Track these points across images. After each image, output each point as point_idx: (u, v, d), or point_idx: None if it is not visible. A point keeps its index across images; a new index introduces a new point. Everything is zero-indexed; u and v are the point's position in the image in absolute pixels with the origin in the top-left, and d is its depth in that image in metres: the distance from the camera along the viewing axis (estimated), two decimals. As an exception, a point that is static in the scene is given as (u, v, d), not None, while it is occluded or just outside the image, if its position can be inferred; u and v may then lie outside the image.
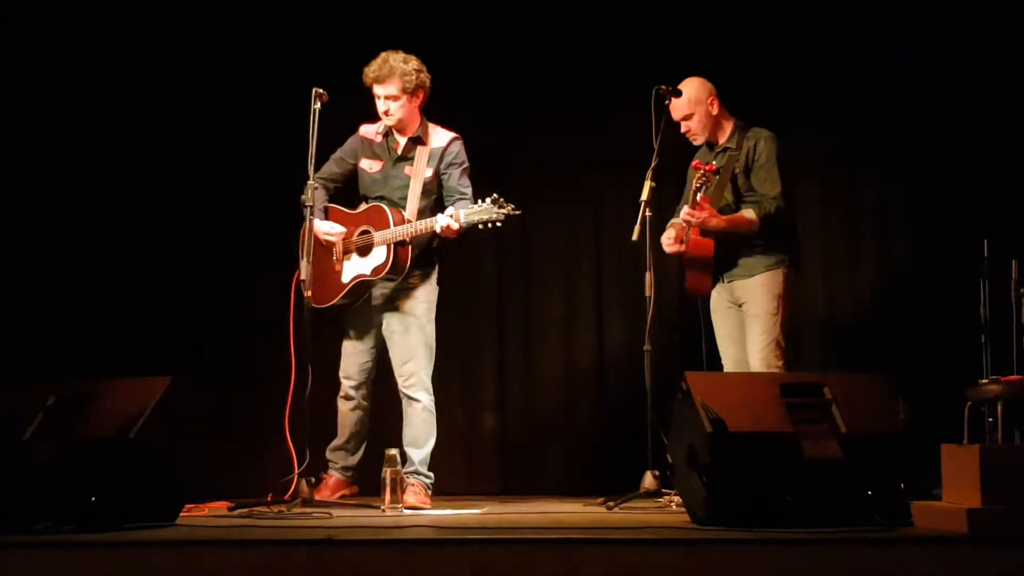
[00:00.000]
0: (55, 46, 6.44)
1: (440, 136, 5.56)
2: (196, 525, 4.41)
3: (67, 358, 6.10)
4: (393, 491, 4.99)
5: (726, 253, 5.41)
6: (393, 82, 5.42)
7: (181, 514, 4.56)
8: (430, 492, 5.41)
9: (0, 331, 6.19)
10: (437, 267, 5.56)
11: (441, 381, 6.62)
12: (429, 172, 5.50)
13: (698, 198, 5.34)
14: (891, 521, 4.05)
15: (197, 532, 4.17)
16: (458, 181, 5.51)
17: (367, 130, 5.63)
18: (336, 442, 5.59)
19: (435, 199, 5.53)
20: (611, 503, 5.19)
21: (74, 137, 6.44)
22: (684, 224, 5.42)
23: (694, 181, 5.40)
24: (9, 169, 6.33)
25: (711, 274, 5.45)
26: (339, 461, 5.57)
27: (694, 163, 5.51)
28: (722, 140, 5.54)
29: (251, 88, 6.45)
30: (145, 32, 6.47)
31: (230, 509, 4.95)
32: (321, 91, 5.32)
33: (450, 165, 5.52)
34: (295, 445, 5.11)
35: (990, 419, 4.99)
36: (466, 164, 5.54)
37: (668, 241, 5.52)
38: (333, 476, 5.54)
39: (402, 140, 5.55)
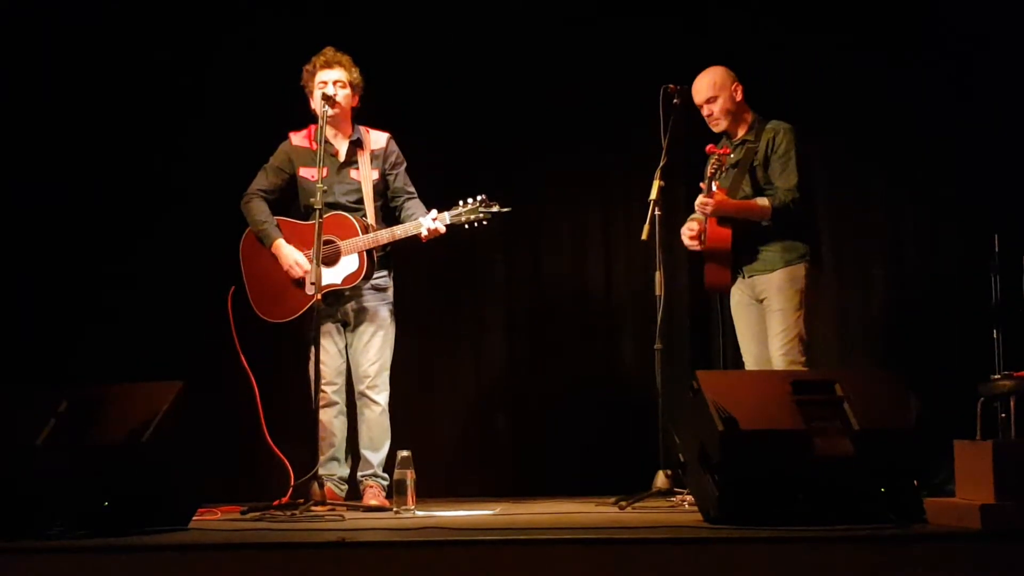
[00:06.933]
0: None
1: (376, 136, 5.57)
2: (209, 529, 4.42)
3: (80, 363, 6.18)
4: (406, 492, 5.00)
5: (744, 245, 5.35)
6: (344, 69, 5.45)
7: (194, 518, 4.57)
8: (386, 493, 5.38)
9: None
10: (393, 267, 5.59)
11: (454, 384, 6.67)
12: (376, 174, 5.52)
13: (713, 186, 5.31)
14: (904, 518, 4.03)
15: (210, 536, 4.18)
16: (404, 180, 5.57)
17: (298, 138, 5.59)
18: (328, 454, 5.44)
19: (384, 199, 5.56)
20: (623, 503, 5.18)
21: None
22: (699, 212, 5.38)
23: (708, 167, 5.35)
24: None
25: (730, 268, 5.39)
26: (336, 472, 5.48)
27: (708, 147, 5.43)
28: (741, 133, 5.49)
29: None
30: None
31: (243, 513, 4.95)
32: (331, 96, 5.33)
33: (394, 165, 5.57)
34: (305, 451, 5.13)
35: (1003, 415, 4.99)
36: (405, 162, 5.59)
37: (689, 235, 5.47)
38: (330, 490, 5.33)
39: (341, 145, 5.52)
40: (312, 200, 5.25)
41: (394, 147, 5.59)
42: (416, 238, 5.38)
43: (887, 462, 4.16)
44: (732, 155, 5.43)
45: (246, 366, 5.30)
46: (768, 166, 5.38)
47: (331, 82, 5.43)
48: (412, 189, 5.58)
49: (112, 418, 4.39)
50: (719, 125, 5.51)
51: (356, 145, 5.53)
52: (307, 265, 5.37)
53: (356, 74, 5.48)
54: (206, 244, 6.18)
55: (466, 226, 5.33)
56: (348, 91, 5.46)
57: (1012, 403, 4.90)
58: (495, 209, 5.32)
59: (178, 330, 6.31)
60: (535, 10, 6.58)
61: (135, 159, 6.53)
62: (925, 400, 4.30)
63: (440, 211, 5.34)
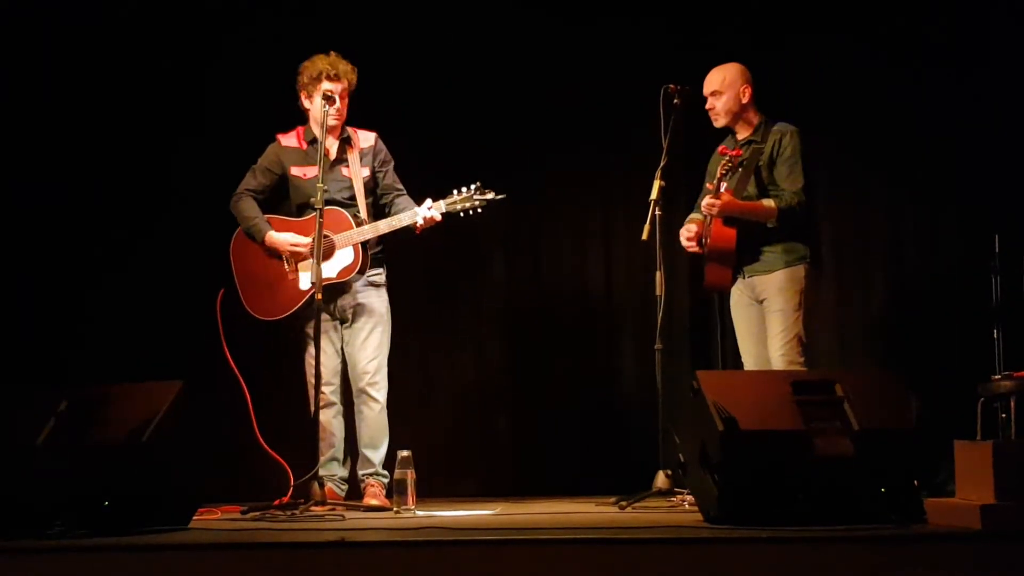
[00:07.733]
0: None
1: (364, 135, 5.60)
2: (209, 528, 4.42)
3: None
4: (407, 492, 5.00)
5: (747, 246, 5.34)
6: (348, 79, 5.46)
7: (194, 517, 4.57)
8: (386, 492, 5.37)
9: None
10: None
11: (454, 383, 6.66)
12: (366, 172, 5.54)
13: (722, 188, 5.31)
14: (904, 518, 4.03)
15: (210, 535, 4.18)
16: (393, 178, 5.59)
17: (287, 139, 5.61)
18: (328, 455, 5.44)
19: (374, 196, 5.57)
20: (624, 503, 5.18)
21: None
22: (705, 213, 5.39)
23: (719, 167, 5.34)
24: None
25: (731, 268, 5.38)
26: (336, 472, 5.49)
27: (720, 148, 5.44)
28: (747, 133, 5.47)
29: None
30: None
31: (243, 512, 4.95)
32: (331, 95, 5.34)
33: (384, 163, 5.59)
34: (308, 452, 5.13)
35: (1003, 415, 4.99)
36: (393, 160, 5.61)
37: (687, 236, 5.49)
38: (330, 490, 5.33)
39: (332, 144, 5.52)
40: (312, 199, 5.27)
41: (382, 145, 5.61)
42: (411, 232, 5.39)
43: (887, 462, 4.16)
44: (742, 153, 5.42)
45: (235, 369, 5.29)
46: (773, 168, 5.37)
47: (337, 93, 5.42)
48: (401, 186, 5.60)
49: (112, 418, 4.39)
50: (717, 121, 5.50)
51: (346, 143, 5.56)
52: (304, 241, 5.38)
53: (355, 79, 5.50)
54: (206, 244, 6.15)
55: (461, 214, 5.35)
56: (346, 101, 5.48)
57: (1012, 403, 4.90)
58: (490, 196, 5.34)
59: (178, 330, 6.30)
60: (535, 10, 6.58)
61: (135, 159, 6.54)
62: (925, 400, 4.30)
63: (435, 200, 5.35)
